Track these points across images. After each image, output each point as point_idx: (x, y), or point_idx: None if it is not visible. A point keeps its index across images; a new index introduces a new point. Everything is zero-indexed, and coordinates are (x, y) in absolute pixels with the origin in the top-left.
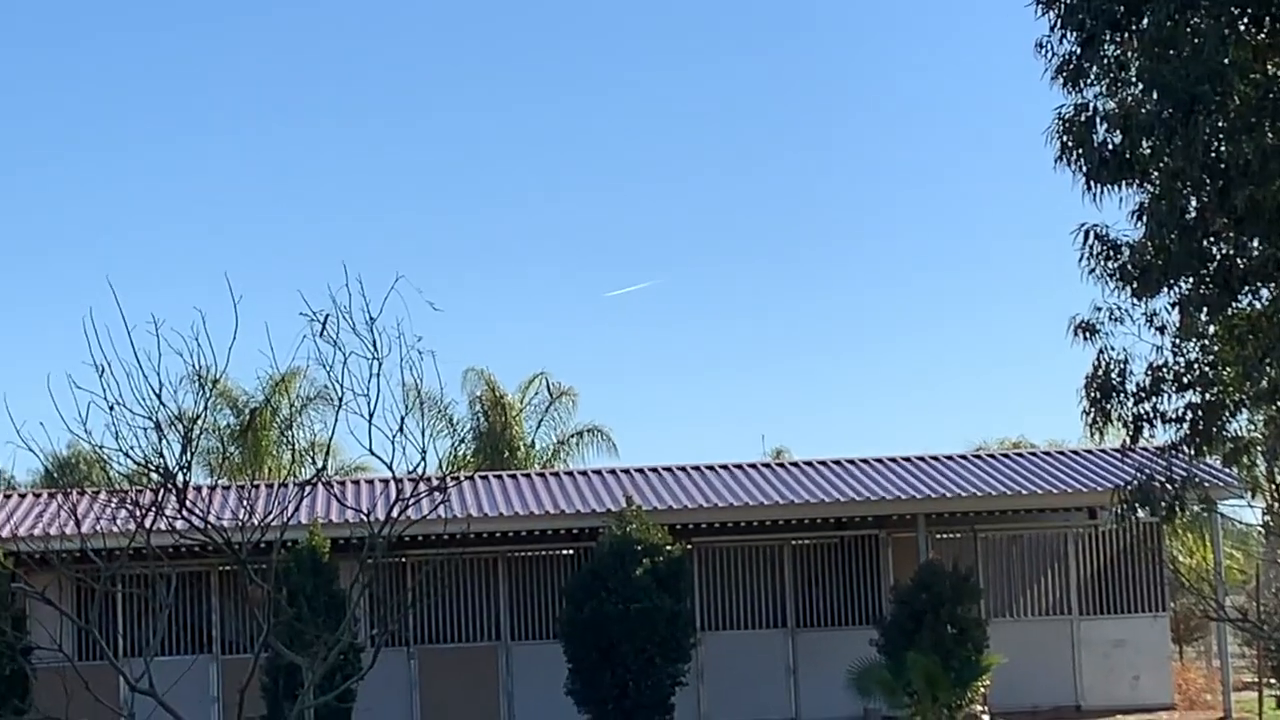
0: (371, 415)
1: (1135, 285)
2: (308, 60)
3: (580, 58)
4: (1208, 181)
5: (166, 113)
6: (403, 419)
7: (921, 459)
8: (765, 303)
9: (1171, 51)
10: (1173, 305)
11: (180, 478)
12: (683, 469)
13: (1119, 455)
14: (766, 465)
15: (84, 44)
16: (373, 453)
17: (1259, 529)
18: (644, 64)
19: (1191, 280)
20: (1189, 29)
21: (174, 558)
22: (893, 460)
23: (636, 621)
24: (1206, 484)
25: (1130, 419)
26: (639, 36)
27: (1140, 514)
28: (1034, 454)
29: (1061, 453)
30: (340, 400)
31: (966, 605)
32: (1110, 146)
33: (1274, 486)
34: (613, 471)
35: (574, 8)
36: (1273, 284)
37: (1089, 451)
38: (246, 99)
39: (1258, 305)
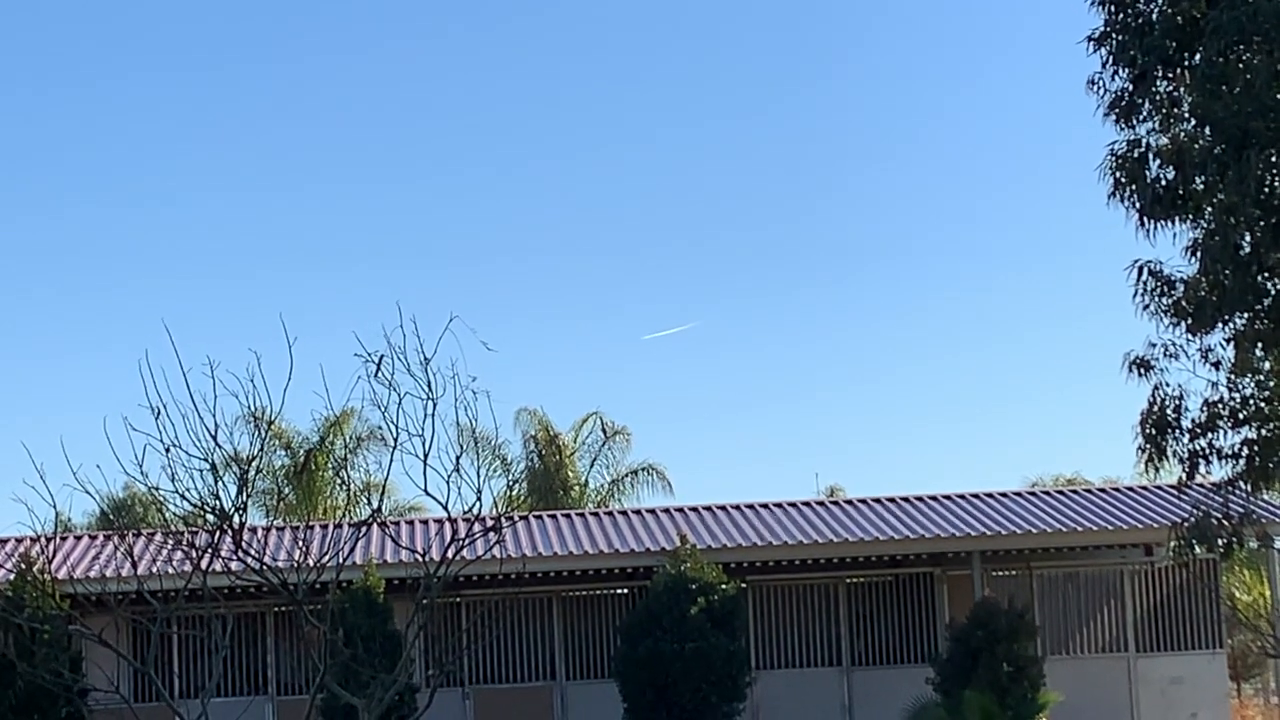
0: (426, 455)
1: (1189, 321)
2: (362, 107)
3: (612, 107)
4: (1261, 217)
5: (221, 156)
6: (457, 459)
7: (976, 496)
8: (813, 340)
9: (1224, 87)
10: (1227, 341)
11: (236, 519)
12: (737, 507)
13: (1175, 491)
14: (820, 503)
15: (138, 86)
16: (428, 493)
17: None
18: (676, 108)
19: (1246, 316)
20: (1241, 65)
21: (230, 599)
22: (947, 498)
23: (692, 660)
24: (1264, 520)
25: (1186, 455)
26: (674, 83)
27: (1197, 550)
28: (1089, 490)
29: (1117, 489)
30: (395, 440)
31: (1023, 643)
32: (1163, 182)
33: None
34: (666, 510)
35: (612, 59)
36: None
37: (1145, 488)
38: (301, 145)
39: None
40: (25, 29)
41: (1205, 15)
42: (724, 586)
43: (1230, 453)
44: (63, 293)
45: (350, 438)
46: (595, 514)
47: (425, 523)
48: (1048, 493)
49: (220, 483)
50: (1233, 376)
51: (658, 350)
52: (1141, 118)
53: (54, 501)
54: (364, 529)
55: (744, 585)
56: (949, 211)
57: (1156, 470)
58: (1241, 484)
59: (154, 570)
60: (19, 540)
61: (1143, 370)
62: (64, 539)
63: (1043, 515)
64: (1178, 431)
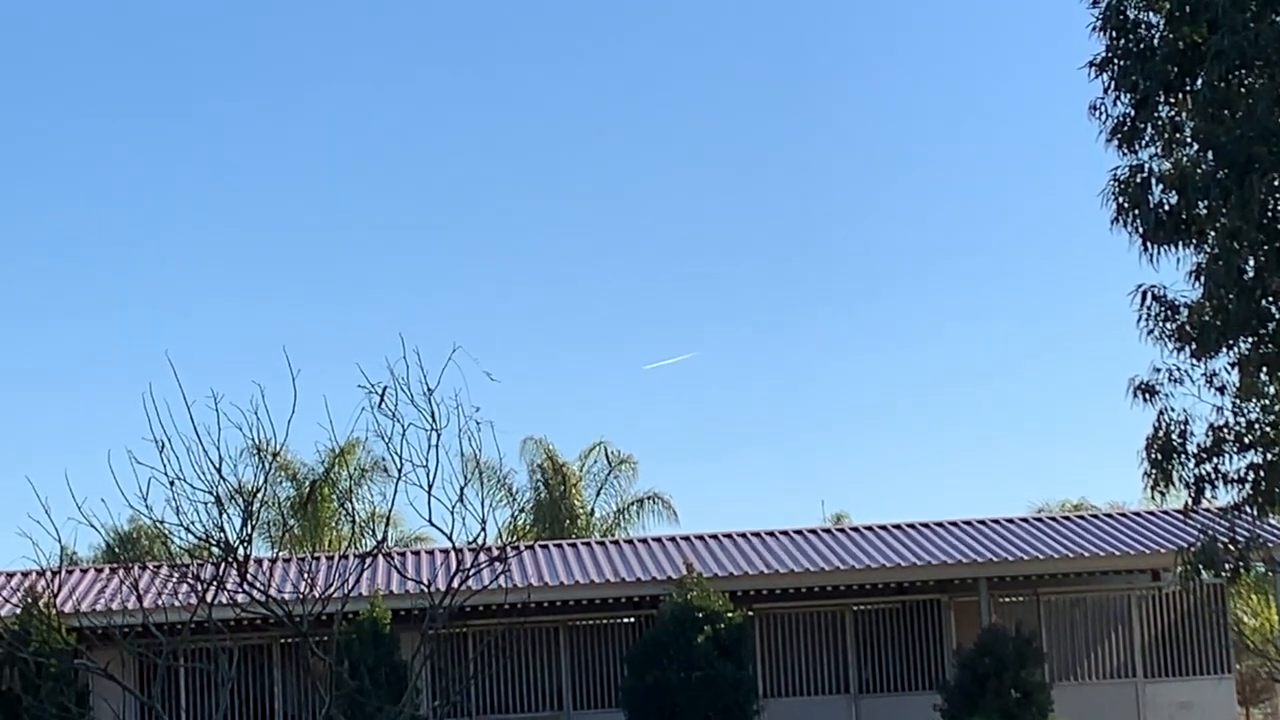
0: (431, 486)
1: (1194, 346)
2: (362, 138)
3: (612, 139)
4: (1265, 241)
5: (223, 188)
6: (462, 489)
7: (982, 522)
8: (818, 367)
9: (1226, 112)
10: (1232, 365)
11: (241, 551)
12: (743, 535)
13: (1181, 516)
14: (827, 530)
15: (141, 116)
16: (432, 523)
17: None
18: (675, 139)
19: (1251, 340)
20: (1243, 89)
21: (235, 631)
22: (953, 524)
23: (699, 689)
24: (1270, 545)
25: (1192, 480)
26: (674, 113)
27: (1204, 575)
28: (1095, 516)
29: (1123, 514)
30: (399, 471)
31: (1030, 669)
32: (1166, 207)
33: None
34: (673, 539)
35: (612, 92)
36: None
37: (1151, 513)
38: (303, 175)
39: None
40: (28, 57)
41: (1207, 40)
42: (730, 615)
43: (1236, 477)
44: (66, 326)
45: (355, 469)
46: (601, 543)
47: (431, 553)
48: (1054, 519)
49: (225, 515)
50: (1238, 401)
51: (663, 379)
52: (1144, 143)
53: (59, 535)
54: (369, 560)
55: (750, 613)
56: (952, 239)
57: (1162, 495)
58: (1248, 508)
59: (160, 603)
60: (25, 574)
61: (1147, 395)
62: (69, 573)
63: (1049, 541)
64: (1183, 456)
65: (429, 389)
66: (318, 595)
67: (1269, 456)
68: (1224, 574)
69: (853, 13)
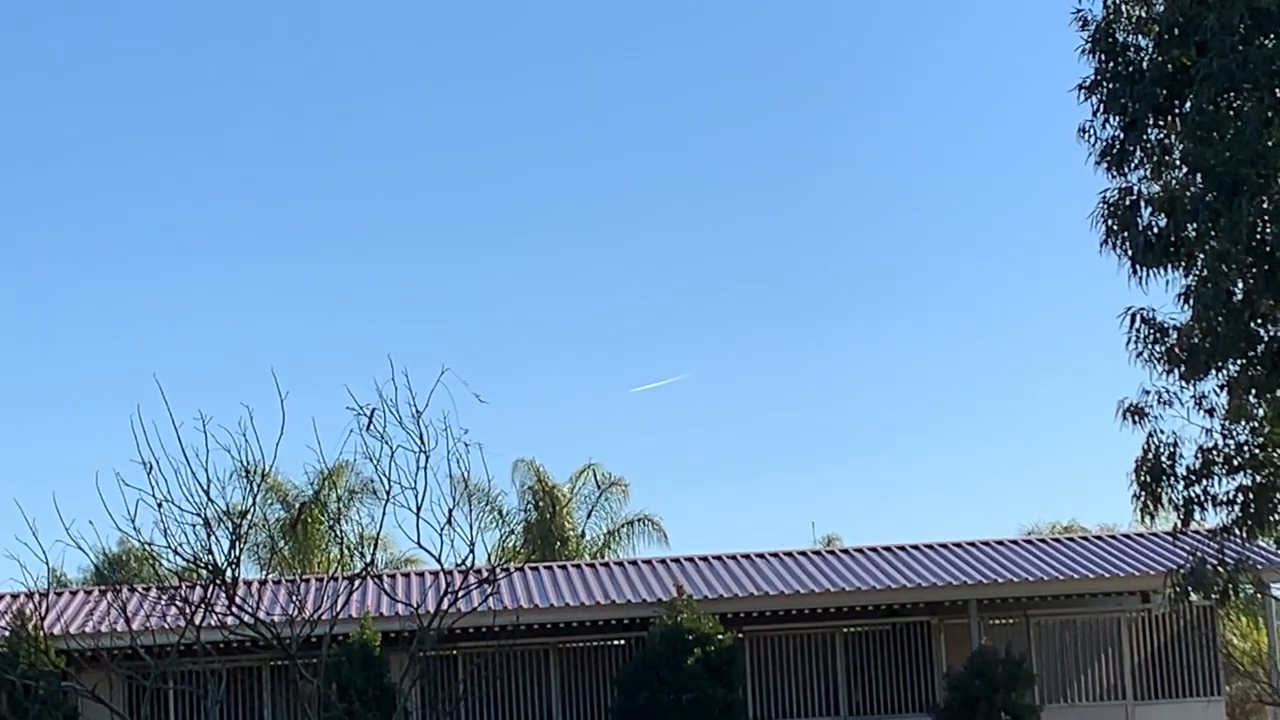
0: (419, 508)
1: (1183, 368)
2: (352, 162)
3: (604, 163)
4: (1253, 263)
5: (210, 210)
6: (450, 511)
7: (973, 544)
8: (808, 390)
9: (1215, 134)
10: (1221, 387)
11: (229, 573)
12: (733, 557)
13: (1171, 538)
14: (817, 553)
15: (133, 139)
16: (421, 545)
17: None
18: (667, 163)
19: (1240, 362)
20: (1231, 112)
21: (224, 654)
22: (944, 546)
23: (689, 711)
24: (1260, 566)
25: (1181, 502)
26: (668, 138)
27: (1193, 597)
28: (1085, 538)
29: (1113, 536)
30: (388, 493)
31: (1020, 691)
32: (1155, 230)
33: None
34: (663, 561)
35: (607, 116)
36: None
37: (1140, 535)
38: (291, 199)
39: None
40: (17, 84)
41: (1196, 63)
42: (721, 637)
43: (1225, 499)
44: (54, 348)
45: (344, 491)
46: (591, 565)
47: (420, 575)
48: (1044, 541)
49: (213, 537)
50: (1227, 423)
51: (653, 402)
52: (1133, 165)
53: (47, 557)
54: (358, 582)
55: (741, 635)
56: (942, 265)
57: (1152, 517)
58: (1237, 530)
59: (148, 626)
60: (13, 596)
61: (1137, 418)
62: (57, 595)
63: (1039, 563)
64: (1172, 478)
65: (417, 411)
66: (307, 617)
67: (1258, 479)
68: (1213, 596)
69: (834, 46)
